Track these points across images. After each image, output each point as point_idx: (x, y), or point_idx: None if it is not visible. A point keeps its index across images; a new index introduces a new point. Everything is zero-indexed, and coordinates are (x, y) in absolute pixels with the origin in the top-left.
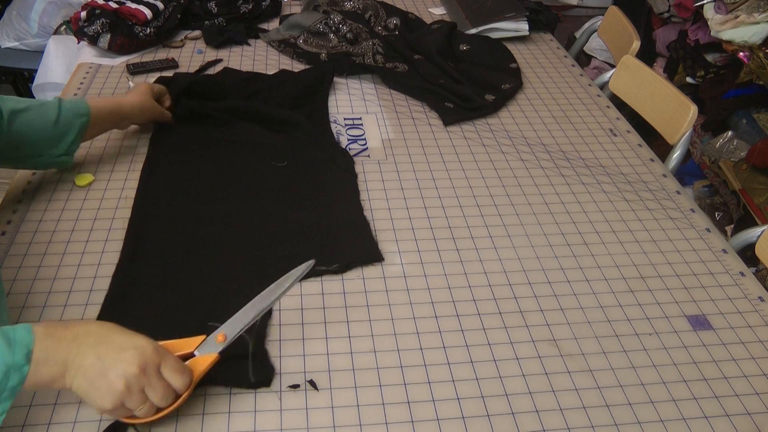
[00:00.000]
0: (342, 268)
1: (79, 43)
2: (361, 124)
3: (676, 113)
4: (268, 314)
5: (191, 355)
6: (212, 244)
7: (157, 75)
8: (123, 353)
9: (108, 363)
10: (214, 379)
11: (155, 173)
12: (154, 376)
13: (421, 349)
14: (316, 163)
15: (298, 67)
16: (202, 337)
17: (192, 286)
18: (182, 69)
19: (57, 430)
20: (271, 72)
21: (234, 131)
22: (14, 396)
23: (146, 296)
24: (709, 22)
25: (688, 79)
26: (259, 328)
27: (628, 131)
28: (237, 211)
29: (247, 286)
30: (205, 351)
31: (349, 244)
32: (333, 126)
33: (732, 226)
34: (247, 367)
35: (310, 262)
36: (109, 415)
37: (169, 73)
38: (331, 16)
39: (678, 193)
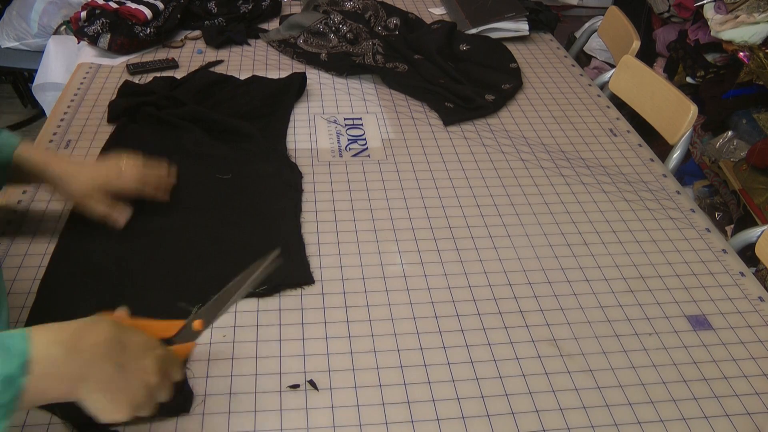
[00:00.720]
0: (270, 291)
1: (79, 43)
2: (361, 124)
3: (676, 113)
4: None
5: (169, 341)
6: (137, 260)
7: (157, 75)
8: (143, 361)
9: (129, 375)
10: None
11: None
12: (167, 380)
13: (421, 349)
14: (261, 177)
15: (298, 67)
16: (180, 322)
17: (112, 302)
18: (182, 69)
19: (57, 430)
20: (270, 72)
21: (184, 141)
22: (10, 415)
23: (69, 306)
24: (709, 22)
25: (688, 79)
26: None
27: (628, 131)
28: (168, 227)
29: (169, 305)
30: (184, 339)
31: (279, 266)
32: (333, 126)
33: (732, 226)
34: None
35: (276, 252)
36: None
37: (170, 73)
38: (331, 16)
39: (678, 193)
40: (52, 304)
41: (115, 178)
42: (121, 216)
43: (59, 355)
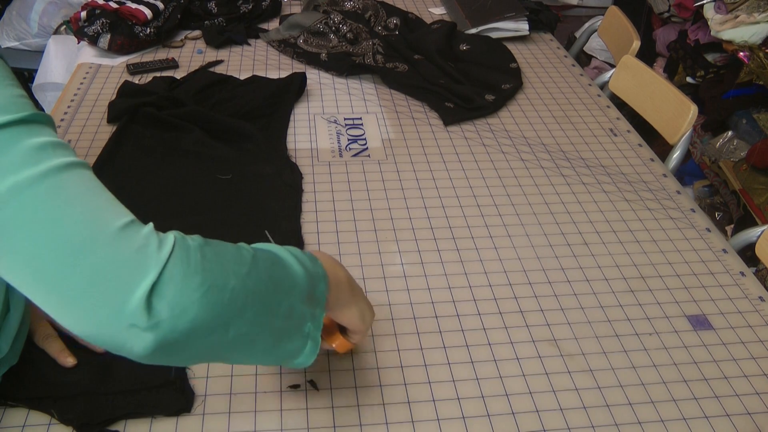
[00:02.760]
0: None
1: (79, 43)
2: (361, 124)
3: (676, 113)
4: None
5: None
6: None
7: (157, 75)
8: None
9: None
10: (133, 411)
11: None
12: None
13: (421, 349)
14: (262, 177)
15: (298, 67)
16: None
17: None
18: (182, 69)
19: (57, 430)
20: (270, 72)
21: (184, 141)
22: (323, 307)
23: None
24: (709, 22)
25: (688, 79)
26: None
27: (628, 131)
28: (168, 228)
29: None
30: None
31: None
32: (333, 126)
33: (732, 226)
34: (165, 394)
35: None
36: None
37: (170, 73)
38: (331, 16)
39: (678, 193)
40: None
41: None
42: (68, 360)
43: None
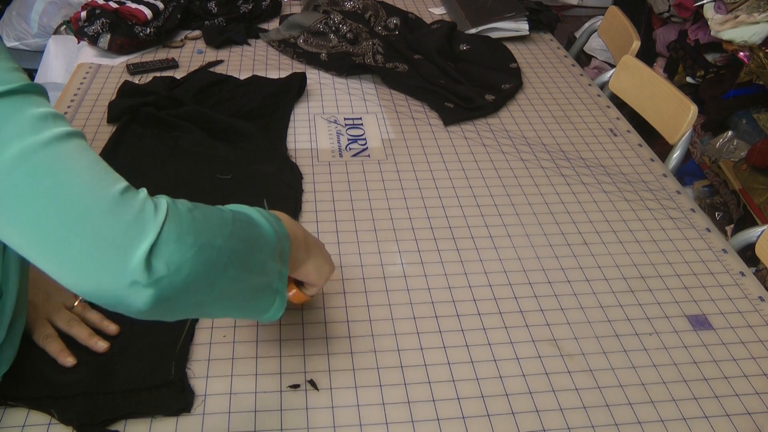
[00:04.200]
0: None
1: (79, 43)
2: (361, 124)
3: (676, 113)
4: (190, 336)
5: None
6: None
7: (157, 75)
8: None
9: (323, 250)
10: (133, 411)
11: None
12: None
13: (421, 349)
14: (262, 177)
15: (298, 67)
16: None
17: None
18: (182, 69)
19: (57, 430)
20: (270, 72)
21: (184, 141)
22: (287, 266)
23: None
24: (709, 22)
25: (688, 79)
26: (180, 351)
27: (628, 131)
28: None
29: None
30: None
31: None
32: (333, 126)
33: (732, 226)
34: (165, 394)
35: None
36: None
37: (170, 73)
38: (331, 16)
39: (678, 193)
40: None
41: (52, 310)
42: (98, 345)
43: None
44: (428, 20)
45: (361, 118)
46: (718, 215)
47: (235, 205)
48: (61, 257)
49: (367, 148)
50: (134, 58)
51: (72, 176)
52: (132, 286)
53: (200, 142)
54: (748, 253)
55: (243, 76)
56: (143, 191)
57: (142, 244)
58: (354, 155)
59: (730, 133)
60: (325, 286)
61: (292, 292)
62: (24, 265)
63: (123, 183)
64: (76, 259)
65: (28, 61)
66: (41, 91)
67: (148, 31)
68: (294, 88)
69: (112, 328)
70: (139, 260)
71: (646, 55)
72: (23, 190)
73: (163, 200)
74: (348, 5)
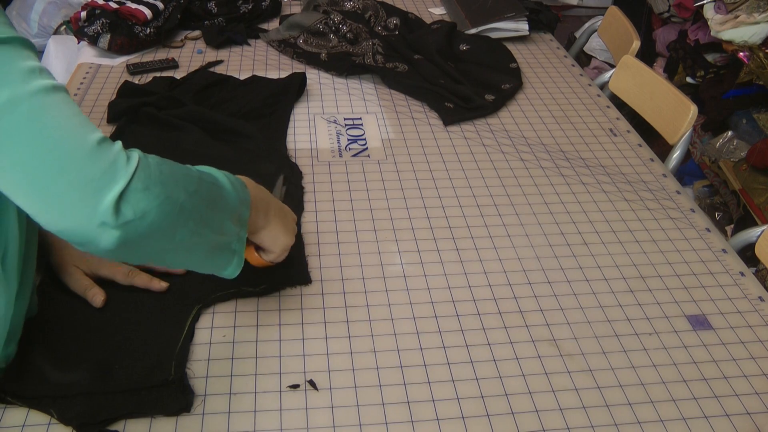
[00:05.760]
0: (268, 290)
1: (79, 43)
2: (361, 124)
3: (676, 113)
4: (190, 337)
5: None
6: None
7: (157, 75)
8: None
9: (288, 215)
10: (133, 411)
11: None
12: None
13: (421, 349)
14: (263, 177)
15: (298, 67)
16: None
17: (113, 303)
18: (182, 69)
19: (57, 430)
20: (270, 72)
21: (184, 141)
22: (246, 229)
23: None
24: (709, 22)
25: (688, 79)
26: (180, 351)
27: (628, 131)
28: None
29: (169, 305)
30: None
31: (278, 265)
32: (333, 126)
33: (732, 226)
34: (165, 394)
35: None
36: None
37: (170, 73)
38: (331, 16)
39: (678, 193)
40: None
41: (105, 267)
42: (96, 297)
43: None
44: (428, 20)
45: (361, 118)
46: (718, 215)
47: (204, 167)
48: (40, 196)
49: (366, 148)
50: (134, 58)
51: (55, 124)
52: (101, 226)
53: (200, 142)
54: (748, 253)
55: (243, 76)
56: (118, 143)
57: (113, 189)
58: (354, 155)
59: (730, 133)
60: (325, 286)
61: (253, 256)
62: (31, 228)
63: (100, 134)
64: (54, 198)
65: None
66: (30, 45)
67: (148, 31)
68: (294, 88)
69: (163, 285)
70: (109, 203)
71: (646, 55)
72: (10, 134)
73: (135, 153)
74: (348, 5)
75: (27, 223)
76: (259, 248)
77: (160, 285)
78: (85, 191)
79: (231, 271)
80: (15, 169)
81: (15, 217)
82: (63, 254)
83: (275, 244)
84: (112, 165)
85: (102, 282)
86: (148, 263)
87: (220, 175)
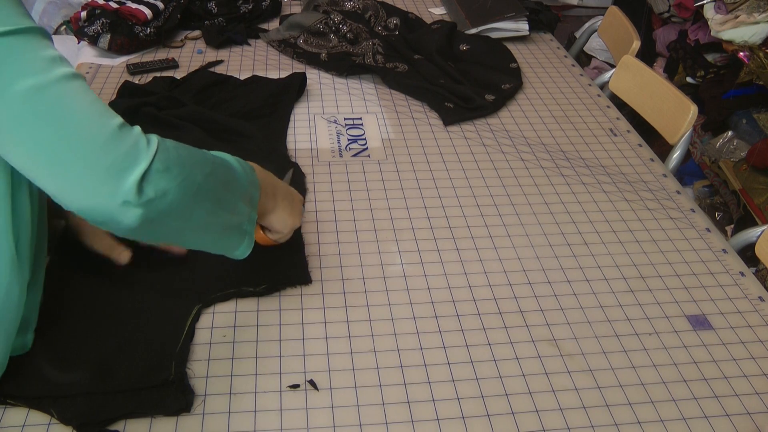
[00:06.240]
0: (269, 290)
1: (79, 43)
2: (361, 124)
3: (676, 113)
4: (190, 336)
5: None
6: (135, 261)
7: (157, 75)
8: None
9: (294, 198)
10: (133, 411)
11: None
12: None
13: (421, 349)
14: None
15: (298, 67)
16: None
17: (113, 303)
18: (182, 69)
19: (57, 430)
20: (270, 72)
21: (184, 141)
22: (256, 209)
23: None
24: (709, 22)
25: (688, 79)
26: (180, 351)
27: (628, 131)
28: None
29: (169, 304)
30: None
31: (278, 265)
32: (333, 126)
33: (732, 226)
34: (165, 394)
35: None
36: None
37: (170, 73)
38: (331, 16)
39: (678, 193)
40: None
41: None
42: (122, 255)
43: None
44: (428, 20)
45: (361, 118)
46: (718, 215)
47: (216, 152)
48: (64, 177)
49: (367, 148)
50: (134, 58)
51: (79, 109)
52: (124, 205)
53: (200, 142)
54: (748, 253)
55: (243, 76)
56: (137, 128)
57: (136, 170)
58: (354, 155)
59: (730, 133)
60: (325, 286)
61: (259, 234)
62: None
63: (120, 119)
64: (79, 179)
65: None
66: (48, 35)
67: (148, 31)
68: (294, 88)
69: (182, 249)
70: (132, 184)
71: (646, 55)
72: (36, 119)
73: (154, 137)
74: (348, 5)
75: (38, 214)
76: (265, 228)
77: (180, 249)
78: (109, 172)
79: (242, 251)
80: (41, 152)
81: (28, 207)
82: (78, 220)
83: (284, 226)
84: (133, 147)
85: (104, 285)
86: (166, 242)
87: (231, 158)
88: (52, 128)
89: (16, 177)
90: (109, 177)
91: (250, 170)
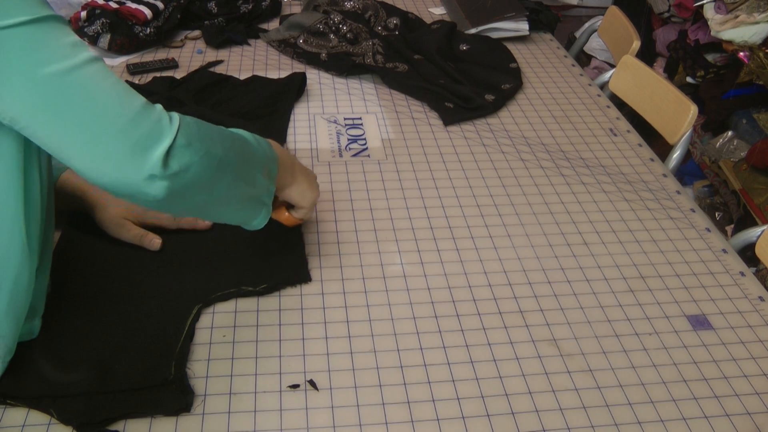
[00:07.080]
0: (269, 290)
1: None
2: (361, 124)
3: (676, 113)
4: (190, 336)
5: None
6: (138, 260)
7: (157, 75)
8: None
9: (309, 173)
10: (133, 411)
11: None
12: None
13: (421, 349)
14: None
15: (298, 67)
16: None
17: (113, 302)
18: (182, 69)
19: (57, 430)
20: (270, 72)
21: None
22: (274, 186)
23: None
24: (709, 22)
25: (688, 79)
26: (180, 351)
27: (628, 131)
28: (167, 231)
29: (168, 304)
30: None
31: (278, 264)
32: (333, 126)
33: (732, 226)
34: (165, 394)
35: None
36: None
37: (170, 73)
38: (331, 16)
39: (678, 193)
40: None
41: (150, 215)
42: (153, 242)
43: (279, 154)
44: (428, 20)
45: (361, 118)
46: (718, 215)
47: (233, 128)
48: (93, 156)
49: (367, 148)
50: (134, 58)
51: (104, 91)
52: (150, 178)
53: None
54: (748, 253)
55: (243, 76)
56: (159, 106)
57: (161, 145)
58: (354, 155)
59: (730, 133)
60: (325, 286)
61: (285, 215)
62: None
63: (143, 98)
64: (106, 157)
65: None
66: (67, 21)
67: (148, 31)
68: (294, 88)
69: (207, 223)
70: (158, 158)
71: (646, 55)
72: (65, 101)
73: (176, 114)
74: (348, 5)
75: (47, 202)
76: (289, 207)
77: (205, 224)
78: (135, 149)
79: (259, 221)
80: (70, 133)
81: (38, 193)
82: (110, 210)
83: (304, 198)
84: (157, 124)
85: (104, 285)
86: (190, 214)
87: (248, 134)
88: (79, 110)
89: (27, 163)
90: (135, 153)
91: (267, 145)
